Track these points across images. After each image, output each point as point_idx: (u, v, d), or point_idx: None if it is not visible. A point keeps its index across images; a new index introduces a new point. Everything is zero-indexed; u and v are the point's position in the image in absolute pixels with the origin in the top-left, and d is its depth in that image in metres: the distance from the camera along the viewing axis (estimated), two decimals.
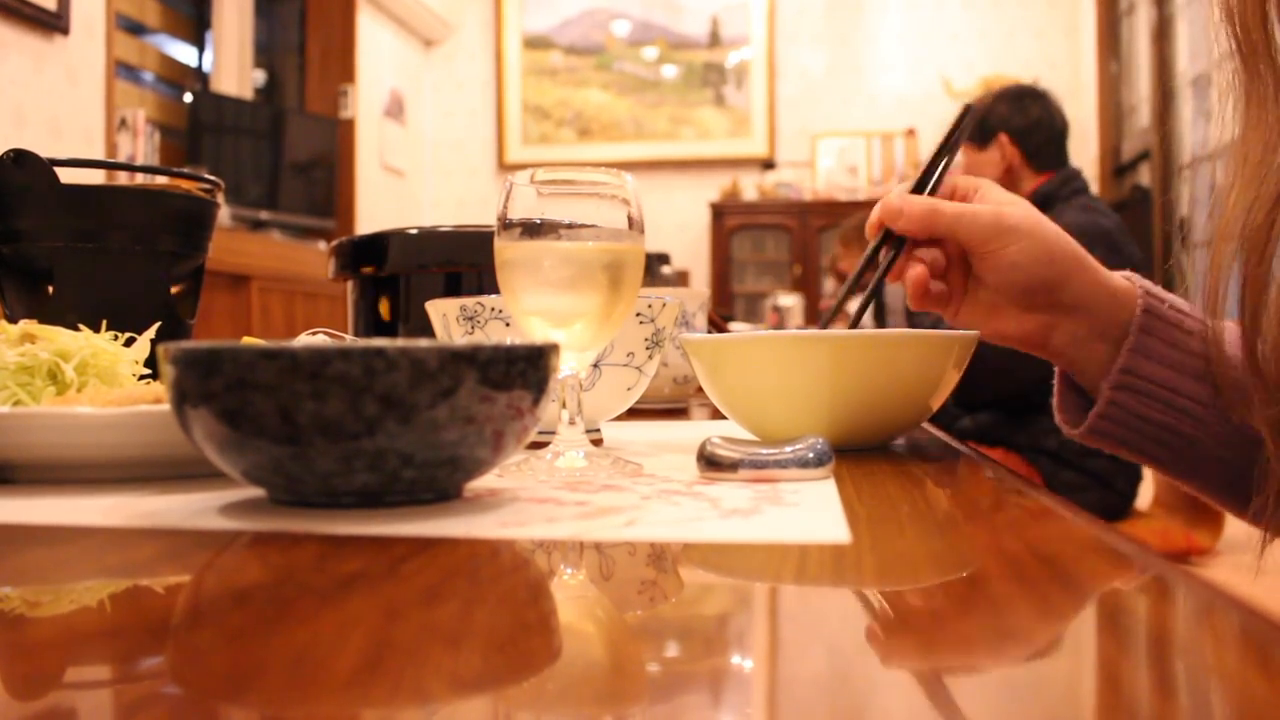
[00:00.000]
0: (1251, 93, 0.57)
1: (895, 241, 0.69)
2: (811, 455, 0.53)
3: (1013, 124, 2.31)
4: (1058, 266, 0.66)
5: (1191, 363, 0.65)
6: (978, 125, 2.31)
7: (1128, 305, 0.67)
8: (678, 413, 1.08)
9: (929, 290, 0.68)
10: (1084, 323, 0.67)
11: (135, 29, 4.24)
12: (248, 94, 4.82)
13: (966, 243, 0.66)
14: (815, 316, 5.05)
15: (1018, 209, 0.67)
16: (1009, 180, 2.28)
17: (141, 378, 0.62)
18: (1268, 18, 0.54)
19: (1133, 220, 4.68)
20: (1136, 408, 0.66)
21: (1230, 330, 0.64)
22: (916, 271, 0.68)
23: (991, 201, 0.68)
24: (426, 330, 0.81)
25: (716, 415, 1.00)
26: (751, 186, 6.01)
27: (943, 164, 0.71)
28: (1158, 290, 0.67)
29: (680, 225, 6.08)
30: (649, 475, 0.56)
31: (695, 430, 0.85)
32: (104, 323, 0.64)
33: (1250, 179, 0.57)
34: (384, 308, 1.10)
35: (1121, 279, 0.68)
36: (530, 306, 0.59)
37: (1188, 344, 0.65)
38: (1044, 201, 2.18)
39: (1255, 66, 0.56)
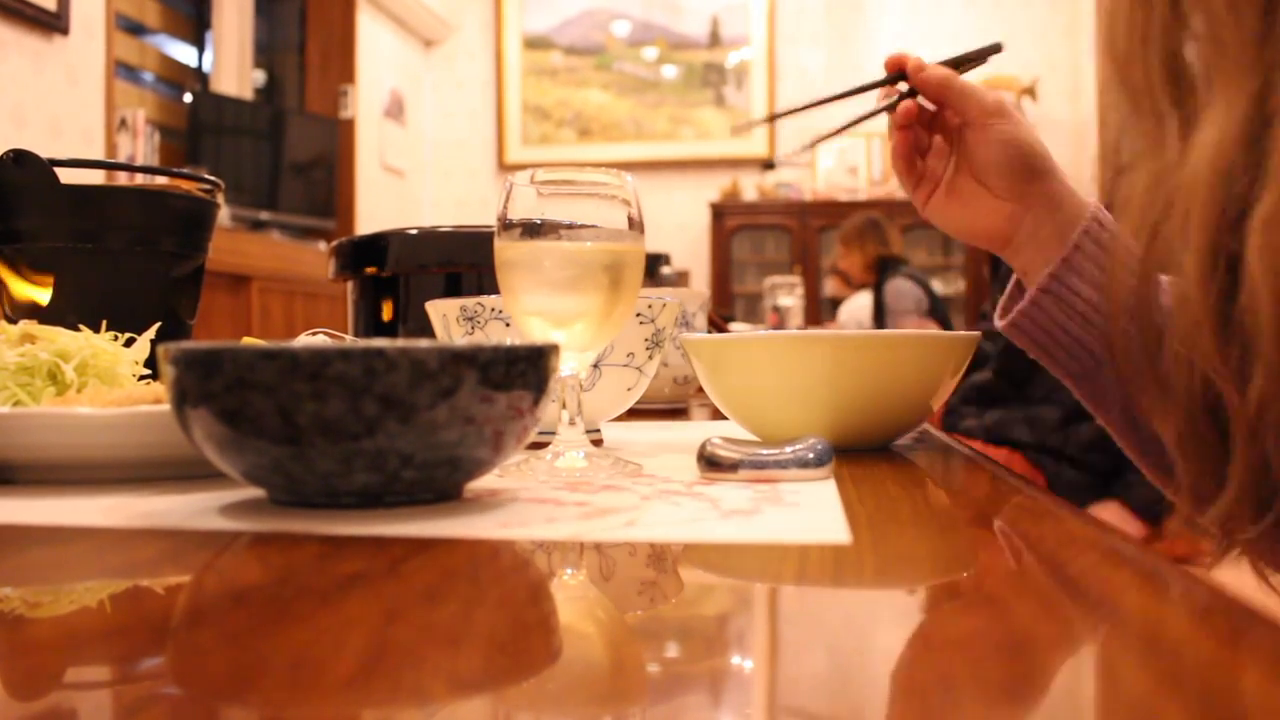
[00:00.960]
0: (1139, 134, 0.59)
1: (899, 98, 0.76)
2: (812, 455, 0.53)
3: None
4: (1040, 157, 0.72)
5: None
6: None
7: (1081, 217, 0.71)
8: (678, 413, 1.08)
9: (911, 150, 0.76)
10: (1047, 220, 0.72)
11: (135, 29, 4.24)
12: (248, 94, 4.82)
13: (972, 112, 0.73)
14: (815, 315, 5.05)
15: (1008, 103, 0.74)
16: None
17: (141, 378, 0.62)
18: (1148, 65, 0.54)
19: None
20: (1056, 314, 0.70)
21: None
22: (908, 105, 0.75)
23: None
24: (426, 330, 0.81)
25: (717, 415, 1.00)
26: (751, 187, 6.01)
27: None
28: (1106, 217, 0.71)
29: (680, 225, 6.08)
30: (649, 476, 0.56)
31: (695, 431, 0.85)
32: (104, 323, 0.64)
33: (1138, 208, 0.58)
34: (384, 308, 1.10)
35: (1080, 198, 0.73)
36: (530, 307, 0.59)
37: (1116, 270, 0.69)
38: None
39: (1140, 110, 0.57)
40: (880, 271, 3.79)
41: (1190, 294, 0.47)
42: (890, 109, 0.76)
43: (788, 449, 0.54)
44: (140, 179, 1.88)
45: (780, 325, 2.77)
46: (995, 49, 0.80)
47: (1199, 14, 0.48)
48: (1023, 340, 0.73)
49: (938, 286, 4.36)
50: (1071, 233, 0.70)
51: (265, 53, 5.21)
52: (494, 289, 0.62)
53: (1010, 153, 0.72)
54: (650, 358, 0.76)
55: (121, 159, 3.58)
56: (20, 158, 0.78)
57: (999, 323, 0.76)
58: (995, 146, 0.72)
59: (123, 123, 3.64)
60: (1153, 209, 0.51)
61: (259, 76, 5.13)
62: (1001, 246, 0.74)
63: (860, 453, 0.66)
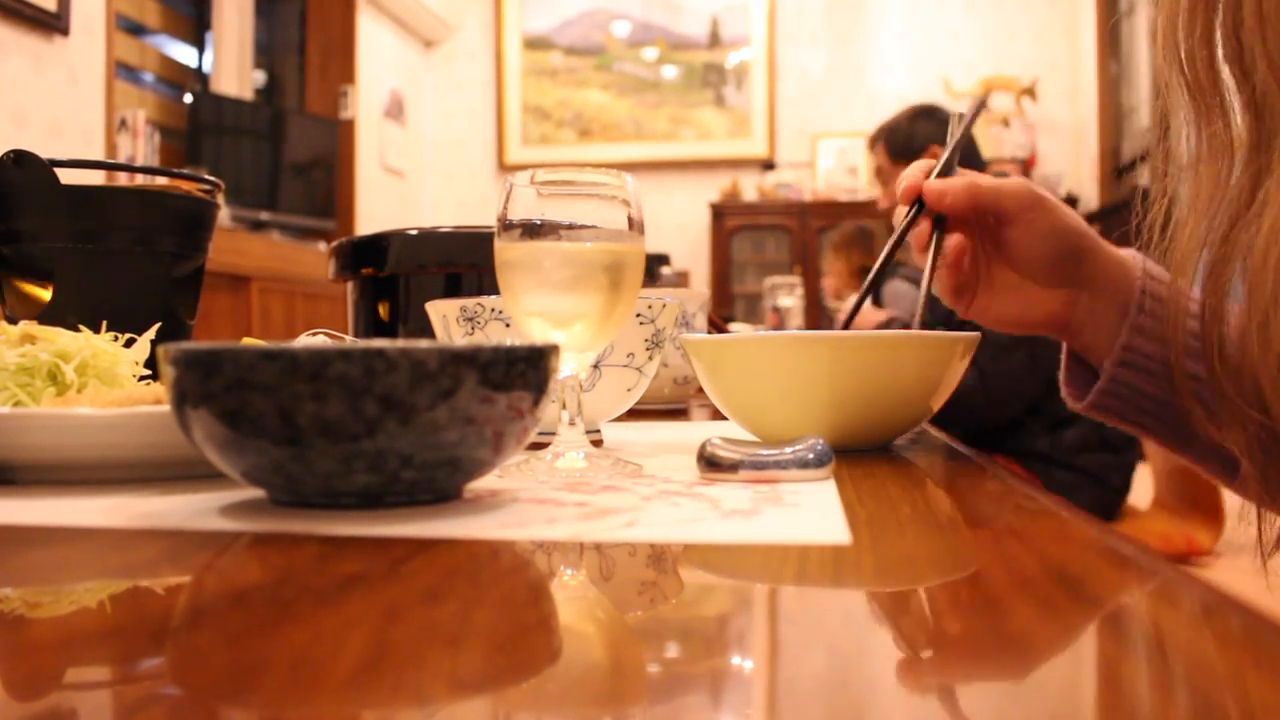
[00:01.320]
0: (1202, 129, 0.58)
1: (933, 220, 0.72)
2: (812, 456, 0.53)
3: (939, 137, 2.27)
4: (1083, 236, 0.69)
5: (1190, 341, 0.67)
6: (905, 145, 2.27)
7: (1135, 279, 0.69)
8: (678, 413, 1.08)
9: (963, 265, 0.72)
10: (1101, 295, 0.69)
11: (135, 30, 4.24)
12: (248, 95, 4.82)
13: (1009, 211, 0.69)
14: (815, 316, 5.05)
15: (1034, 185, 0.71)
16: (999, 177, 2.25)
17: (141, 378, 0.62)
18: (1215, 61, 0.54)
19: (1133, 221, 4.68)
20: (1136, 383, 0.68)
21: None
22: (956, 239, 0.71)
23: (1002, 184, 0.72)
24: (426, 331, 0.81)
25: (717, 416, 1.00)
26: (751, 187, 6.01)
27: (956, 154, 0.75)
28: (1155, 268, 0.69)
29: (680, 226, 6.08)
30: (649, 476, 0.56)
31: (695, 431, 0.85)
32: (104, 323, 0.64)
33: (1203, 212, 0.58)
34: (384, 309, 1.10)
35: (1126, 254, 0.71)
36: (530, 307, 0.59)
37: (1187, 323, 0.67)
38: None
39: (1204, 106, 0.57)
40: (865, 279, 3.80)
41: (1252, 345, 0.46)
42: (935, 247, 0.72)
43: (788, 449, 0.54)
44: (140, 179, 1.88)
45: (780, 326, 2.77)
46: (981, 105, 0.78)
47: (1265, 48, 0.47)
48: (1108, 416, 0.71)
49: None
50: (1125, 296, 0.68)
51: (265, 53, 5.21)
52: (494, 289, 0.62)
53: (1056, 243, 0.69)
54: (650, 358, 0.76)
55: (121, 159, 3.58)
56: (20, 158, 0.78)
57: (1075, 405, 0.72)
58: (1039, 239, 0.69)
59: (123, 123, 3.64)
60: (1217, 228, 0.51)
61: (259, 77, 5.14)
62: (1060, 330, 0.71)
63: (860, 453, 0.66)
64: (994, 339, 1.92)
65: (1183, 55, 0.57)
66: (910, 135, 2.29)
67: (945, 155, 0.74)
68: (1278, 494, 0.55)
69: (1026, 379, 1.95)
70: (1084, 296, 0.69)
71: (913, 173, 0.72)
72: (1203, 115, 0.57)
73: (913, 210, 0.72)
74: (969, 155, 2.29)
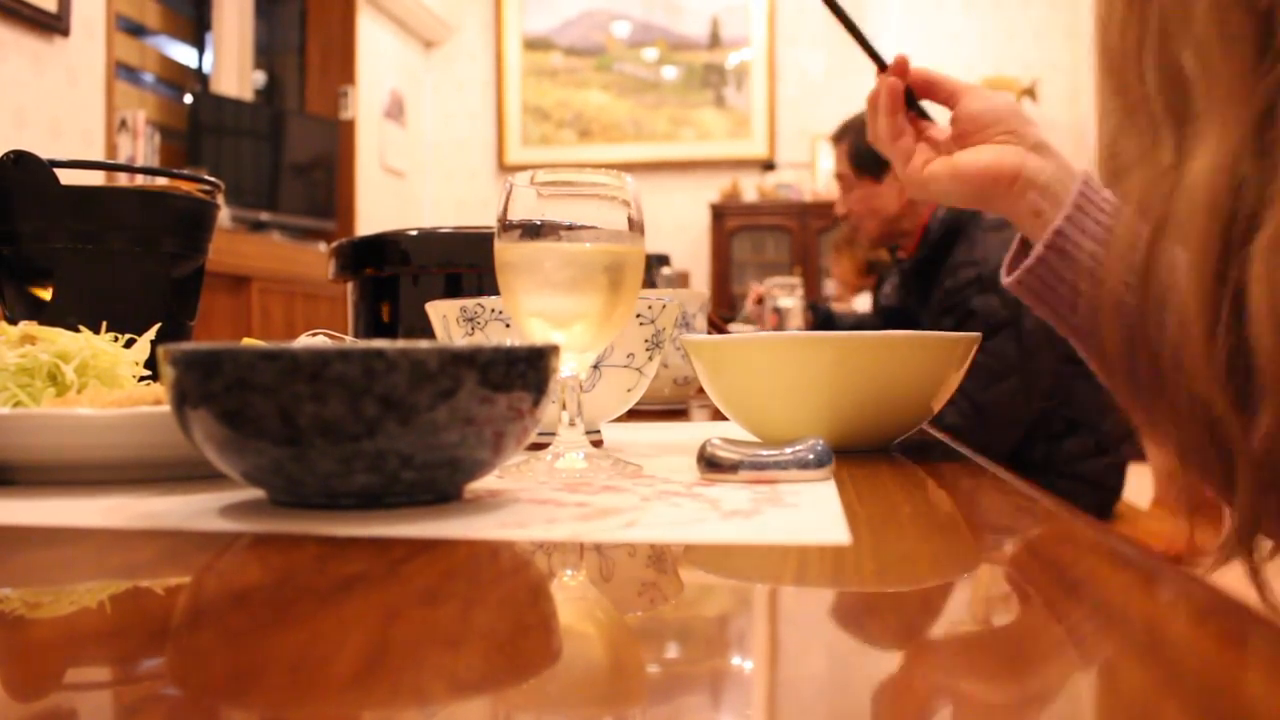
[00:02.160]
0: (1134, 139, 0.59)
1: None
2: (812, 456, 0.53)
3: None
4: (1020, 116, 0.81)
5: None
6: (871, 158, 2.16)
7: (1077, 175, 0.75)
8: (678, 414, 1.08)
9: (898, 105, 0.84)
10: (1047, 161, 0.77)
11: (135, 30, 4.24)
12: (248, 95, 4.82)
13: (940, 95, 0.83)
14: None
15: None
16: (909, 208, 2.13)
17: (141, 379, 0.62)
18: (1143, 72, 0.55)
19: None
20: (1061, 270, 0.72)
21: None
22: (894, 85, 0.84)
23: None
24: (426, 331, 0.81)
25: (717, 416, 1.00)
26: (751, 188, 6.01)
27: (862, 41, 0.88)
28: (1093, 178, 0.74)
29: (680, 226, 6.08)
30: (649, 476, 0.56)
31: (695, 431, 0.85)
32: (104, 324, 0.64)
33: (1128, 221, 0.59)
34: (384, 309, 1.10)
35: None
36: (530, 308, 0.59)
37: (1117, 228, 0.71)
38: (951, 229, 2.05)
39: (1135, 117, 0.58)
40: (875, 274, 3.80)
41: (1189, 322, 0.46)
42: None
43: (788, 450, 0.54)
44: (140, 180, 1.88)
45: (780, 326, 2.77)
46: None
47: (1188, 41, 0.47)
48: (1028, 296, 0.75)
49: None
50: (1069, 183, 0.74)
51: (265, 54, 5.21)
52: (494, 290, 0.62)
53: (997, 107, 0.79)
54: (650, 359, 0.76)
55: (122, 160, 3.58)
56: (20, 159, 0.78)
57: (1005, 279, 0.78)
58: (981, 109, 0.78)
59: (123, 124, 3.64)
60: (1146, 222, 0.51)
61: (259, 77, 5.14)
62: (1010, 184, 0.77)
63: (860, 453, 0.66)
64: (984, 365, 1.91)
65: (1115, 68, 0.58)
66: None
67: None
68: (1217, 487, 0.55)
69: (1021, 404, 1.92)
70: (1032, 159, 0.77)
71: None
72: (1130, 117, 0.58)
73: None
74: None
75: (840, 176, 2.29)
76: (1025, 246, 0.78)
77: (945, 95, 0.83)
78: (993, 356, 1.89)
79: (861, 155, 2.18)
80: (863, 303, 3.91)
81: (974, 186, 0.79)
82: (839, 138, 2.28)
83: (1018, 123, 0.79)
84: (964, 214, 2.06)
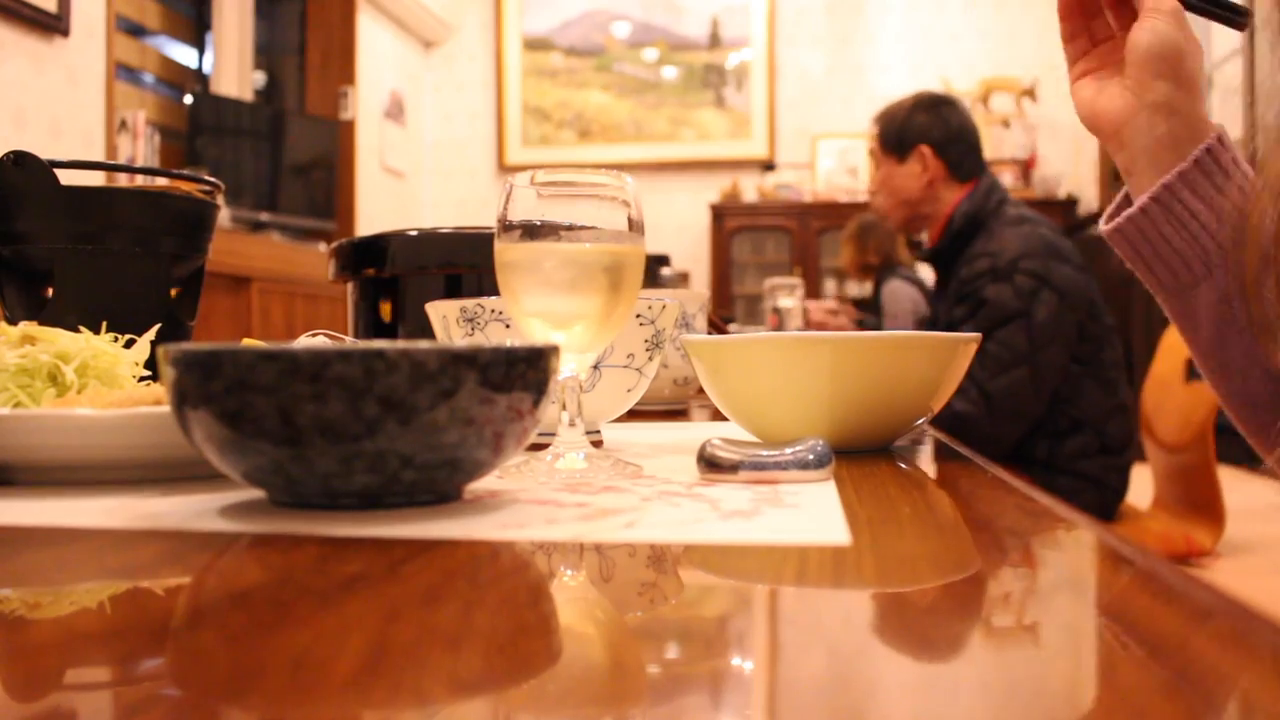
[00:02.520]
0: None
1: None
2: (812, 457, 0.53)
3: (933, 135, 2.18)
4: (1179, 62, 0.72)
5: (1225, 208, 0.70)
6: (896, 138, 2.21)
7: (1206, 135, 0.71)
8: (678, 414, 1.08)
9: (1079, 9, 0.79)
10: (1161, 122, 0.71)
11: (135, 31, 4.24)
12: (248, 95, 4.82)
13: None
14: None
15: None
16: (930, 193, 2.16)
17: (142, 379, 0.62)
18: None
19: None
20: (1163, 225, 0.71)
21: None
22: None
23: None
24: (426, 332, 0.81)
25: (717, 416, 1.00)
26: (752, 188, 6.01)
27: None
28: (1229, 140, 0.72)
29: (680, 227, 6.08)
30: (649, 477, 0.56)
31: (696, 432, 0.85)
32: (104, 324, 0.64)
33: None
34: (384, 309, 1.10)
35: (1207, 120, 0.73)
36: (530, 308, 0.59)
37: (1230, 192, 0.70)
38: (974, 221, 2.08)
39: None
40: (875, 271, 3.81)
41: None
42: None
43: (787, 450, 0.54)
44: (140, 180, 1.88)
45: (780, 327, 2.77)
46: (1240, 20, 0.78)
47: None
48: (1123, 247, 0.74)
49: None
50: (1189, 146, 0.71)
51: (265, 54, 5.22)
52: (494, 290, 0.62)
53: (1151, 45, 0.71)
54: (650, 359, 0.76)
55: (122, 160, 3.58)
56: (20, 159, 0.78)
57: (1103, 226, 0.76)
58: (1143, 34, 0.72)
59: (123, 124, 3.64)
60: None
61: (259, 78, 5.14)
62: (1111, 136, 0.74)
63: (860, 454, 0.66)
64: (995, 354, 1.91)
65: None
66: (904, 128, 2.24)
67: None
68: None
69: (1030, 394, 1.93)
70: (1144, 115, 0.72)
71: None
72: None
73: None
74: (968, 147, 2.26)
75: (872, 153, 2.36)
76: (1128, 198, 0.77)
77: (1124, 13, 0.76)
78: (1003, 346, 1.90)
79: (887, 134, 2.25)
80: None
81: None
82: (877, 119, 2.33)
83: (1169, 79, 0.73)
84: (986, 207, 2.11)
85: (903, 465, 0.64)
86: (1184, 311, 0.74)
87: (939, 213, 2.18)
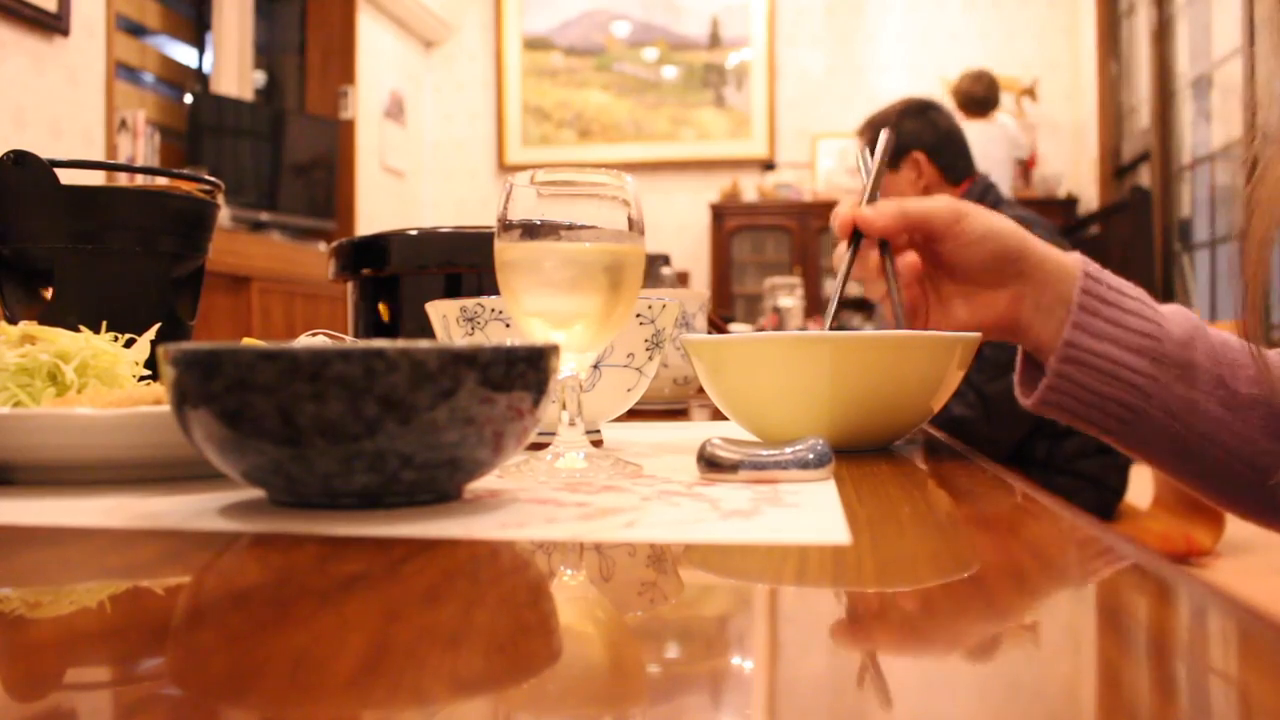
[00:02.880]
0: None
1: (879, 247, 0.75)
2: (812, 456, 0.53)
3: (925, 140, 2.20)
4: (1015, 234, 0.72)
5: (1132, 339, 0.70)
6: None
7: (1074, 277, 0.72)
8: (678, 414, 1.08)
9: (919, 278, 0.75)
10: (1047, 289, 0.72)
11: (135, 30, 4.24)
12: (248, 95, 4.82)
13: (937, 225, 0.72)
14: (816, 312, 5.05)
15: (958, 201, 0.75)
16: (926, 196, 2.20)
17: (141, 379, 0.62)
18: None
19: (1133, 221, 4.69)
20: (1082, 379, 0.71)
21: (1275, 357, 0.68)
22: (910, 258, 0.75)
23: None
24: (426, 331, 0.81)
25: (717, 416, 1.00)
26: (751, 187, 6.01)
27: (878, 185, 0.78)
28: (1095, 269, 0.72)
29: (680, 226, 6.09)
30: (649, 476, 0.56)
31: (696, 431, 0.85)
32: (104, 324, 0.64)
33: None
34: (384, 309, 1.10)
35: (1070, 256, 0.73)
36: (530, 308, 0.59)
37: (1127, 321, 0.71)
38: None
39: None
40: None
41: None
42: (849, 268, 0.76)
43: (788, 450, 0.54)
44: (140, 180, 1.88)
45: (780, 326, 2.76)
46: (889, 137, 0.79)
47: None
48: (1055, 413, 0.73)
49: None
50: (1068, 292, 0.71)
51: (265, 54, 5.22)
52: (494, 290, 0.62)
53: (990, 244, 0.72)
54: (650, 358, 0.76)
55: (122, 160, 3.58)
56: (20, 158, 0.78)
57: (1024, 402, 0.75)
58: (974, 244, 0.72)
59: (123, 123, 3.64)
60: None
61: (259, 77, 5.14)
62: (1012, 331, 0.74)
63: (860, 453, 0.66)
64: (992, 358, 1.91)
65: None
66: (894, 135, 2.25)
67: (867, 187, 0.77)
68: None
69: None
70: (1029, 292, 0.72)
71: (841, 209, 0.76)
72: None
73: (853, 246, 0.75)
74: (959, 149, 2.26)
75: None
76: (1028, 361, 0.77)
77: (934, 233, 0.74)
78: (1000, 349, 1.90)
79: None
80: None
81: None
82: (862, 131, 2.33)
83: (1017, 254, 0.72)
84: (975, 200, 2.10)
85: (903, 465, 0.64)
86: (1137, 443, 0.73)
87: None
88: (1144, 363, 0.69)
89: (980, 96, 4.71)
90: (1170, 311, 0.72)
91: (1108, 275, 0.72)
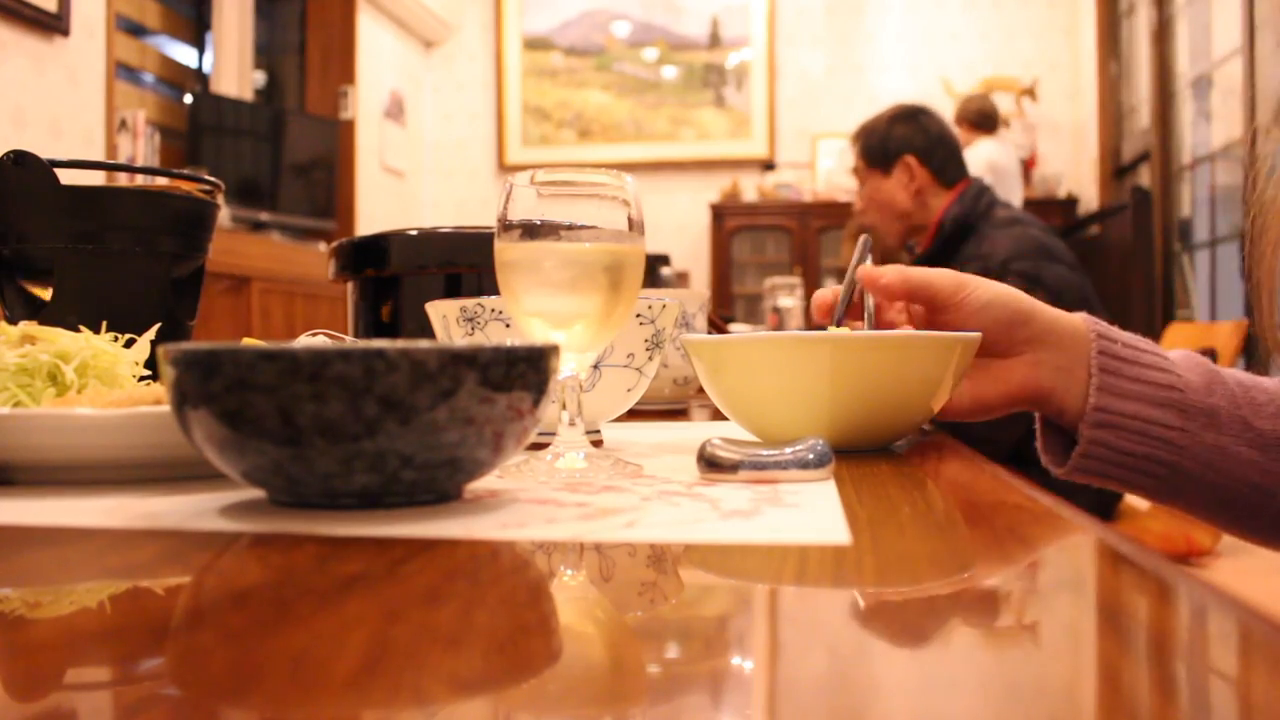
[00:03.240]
0: None
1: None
2: (812, 456, 0.53)
3: (916, 144, 2.19)
4: (1020, 299, 0.71)
5: (1158, 394, 0.69)
6: (880, 151, 2.21)
7: (1087, 338, 0.70)
8: (678, 414, 1.08)
9: None
10: (1062, 351, 0.70)
11: (135, 30, 4.24)
12: (248, 95, 4.82)
13: (939, 295, 0.71)
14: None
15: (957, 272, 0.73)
16: (920, 202, 2.17)
17: (142, 379, 0.62)
18: None
19: (1133, 221, 4.69)
20: (1116, 443, 0.69)
21: None
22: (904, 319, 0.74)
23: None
24: (426, 331, 0.81)
25: (717, 416, 1.00)
26: (752, 187, 6.01)
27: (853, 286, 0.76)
28: (1104, 326, 0.71)
29: (680, 226, 6.09)
30: (649, 476, 0.56)
31: (696, 431, 0.85)
32: (104, 324, 0.64)
33: None
34: (384, 309, 1.10)
35: (1071, 316, 0.72)
36: (530, 308, 0.59)
37: (1149, 376, 0.70)
38: (963, 225, 2.10)
39: None
40: None
41: None
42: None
43: (787, 450, 0.54)
44: (140, 180, 1.88)
45: (780, 326, 2.77)
46: (867, 242, 0.78)
47: None
48: (1089, 478, 0.72)
49: None
50: (1083, 354, 0.69)
51: (265, 54, 5.22)
52: (494, 290, 0.62)
53: (996, 311, 0.70)
54: (650, 359, 0.76)
55: (122, 160, 3.58)
56: (20, 158, 0.78)
57: (1056, 471, 0.74)
58: (978, 312, 0.70)
59: (123, 123, 3.64)
60: None
61: (259, 77, 5.14)
62: (1037, 399, 0.71)
63: (860, 454, 0.66)
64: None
65: None
66: (885, 139, 2.24)
67: (847, 279, 0.76)
68: None
69: None
70: (1045, 357, 0.70)
71: (821, 295, 0.76)
72: None
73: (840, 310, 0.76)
74: (950, 152, 2.27)
75: (855, 171, 2.35)
76: (1048, 426, 0.75)
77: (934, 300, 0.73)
78: None
79: (870, 149, 2.24)
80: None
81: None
82: (854, 139, 2.34)
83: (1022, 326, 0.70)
84: (975, 210, 2.11)
85: (903, 465, 0.64)
86: (1174, 494, 0.72)
87: (929, 220, 2.19)
88: (1172, 415, 0.69)
89: (990, 112, 4.78)
90: (1180, 358, 0.71)
91: (1116, 331, 0.71)
